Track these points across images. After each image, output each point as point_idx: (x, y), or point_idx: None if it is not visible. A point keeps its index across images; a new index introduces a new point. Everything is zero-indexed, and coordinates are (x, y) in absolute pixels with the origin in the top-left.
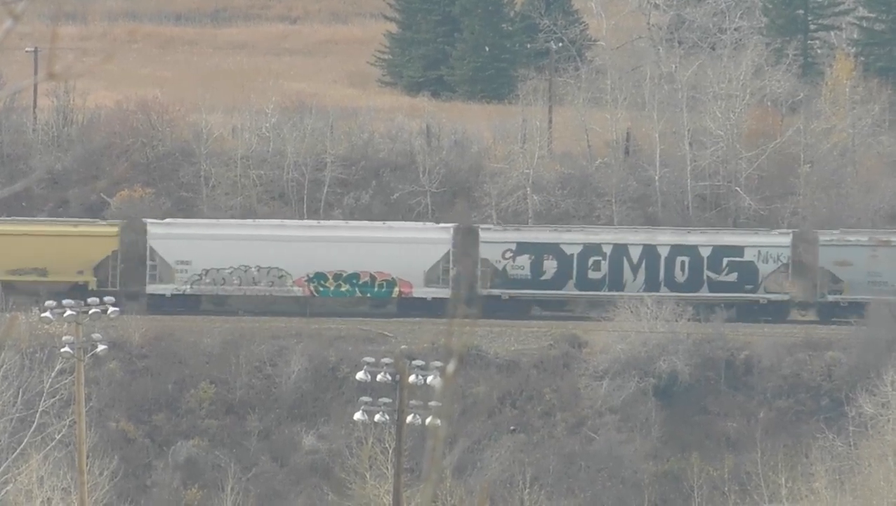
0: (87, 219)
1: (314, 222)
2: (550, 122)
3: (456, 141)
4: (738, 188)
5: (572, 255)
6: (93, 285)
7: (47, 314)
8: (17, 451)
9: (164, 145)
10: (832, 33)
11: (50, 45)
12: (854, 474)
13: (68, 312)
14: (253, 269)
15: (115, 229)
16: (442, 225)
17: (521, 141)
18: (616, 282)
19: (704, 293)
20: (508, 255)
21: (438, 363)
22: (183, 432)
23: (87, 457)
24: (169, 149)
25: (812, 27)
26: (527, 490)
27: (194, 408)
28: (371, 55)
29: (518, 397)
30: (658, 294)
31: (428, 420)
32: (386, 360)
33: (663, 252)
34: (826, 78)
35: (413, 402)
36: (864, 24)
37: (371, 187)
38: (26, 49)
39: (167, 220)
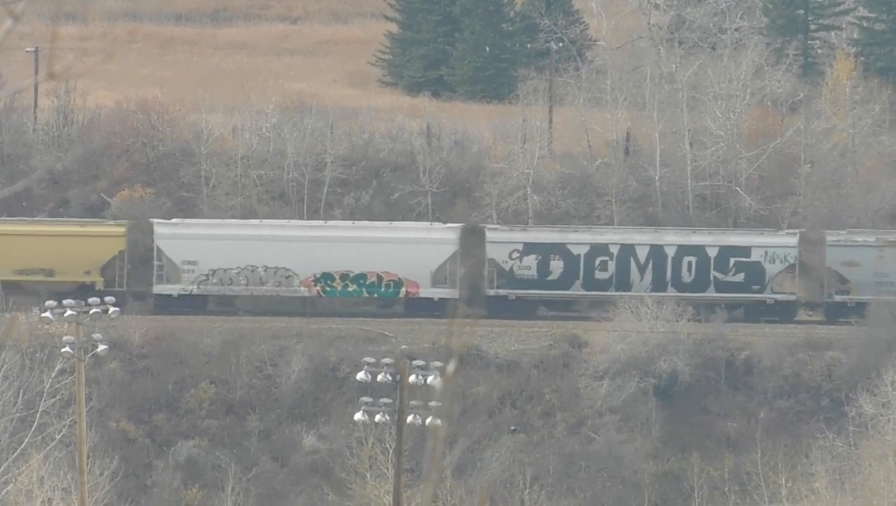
0: (94, 219)
1: (321, 223)
2: (551, 122)
3: (456, 141)
4: (738, 188)
5: (579, 255)
6: (100, 286)
7: (48, 314)
8: (18, 451)
9: (164, 145)
10: (832, 33)
11: (50, 45)
12: (854, 474)
13: (69, 312)
14: (260, 269)
15: (122, 230)
16: (449, 225)
17: (522, 141)
18: (623, 282)
19: (711, 293)
20: (515, 255)
21: (439, 363)
22: (183, 432)
23: (88, 457)
24: (169, 149)
25: (812, 27)
26: (527, 490)
27: (195, 408)
28: (371, 55)
29: (518, 397)
30: (665, 294)
31: (428, 420)
32: (386, 360)
33: (670, 252)
34: (826, 78)
35: (413, 402)
36: (865, 24)
37: (371, 187)
38: (27, 49)
39: (174, 220)
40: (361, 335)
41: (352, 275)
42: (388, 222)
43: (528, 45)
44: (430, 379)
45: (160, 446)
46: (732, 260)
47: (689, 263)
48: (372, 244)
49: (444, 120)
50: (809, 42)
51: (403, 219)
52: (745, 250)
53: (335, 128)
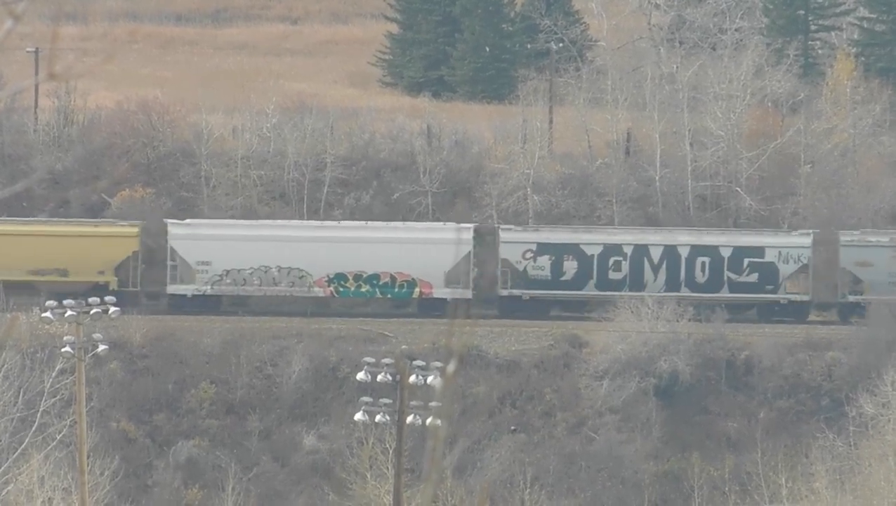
0: (109, 219)
1: (335, 223)
2: (551, 122)
3: (456, 141)
4: (738, 189)
5: (592, 255)
6: (114, 286)
7: (48, 314)
8: (18, 451)
9: (164, 146)
10: (833, 34)
11: (50, 46)
12: (854, 474)
13: (69, 312)
14: (273, 269)
15: (136, 230)
16: (463, 225)
17: (522, 141)
18: (637, 282)
19: (725, 294)
20: (529, 255)
21: (439, 363)
22: (183, 432)
23: (88, 457)
24: (169, 149)
25: (813, 27)
26: (527, 490)
27: (195, 408)
28: (372, 55)
29: (518, 397)
30: (679, 294)
31: (428, 420)
32: (386, 360)
33: (684, 253)
34: (827, 78)
35: (413, 402)
36: (865, 24)
37: (371, 188)
38: (27, 49)
39: (188, 220)
40: (361, 335)
41: (365, 275)
42: (401, 223)
43: (529, 46)
44: (430, 379)
45: (160, 446)
46: (746, 260)
47: (703, 264)
48: (385, 245)
49: (445, 120)
50: (810, 42)
51: (404, 219)
52: (759, 251)
53: (335, 128)
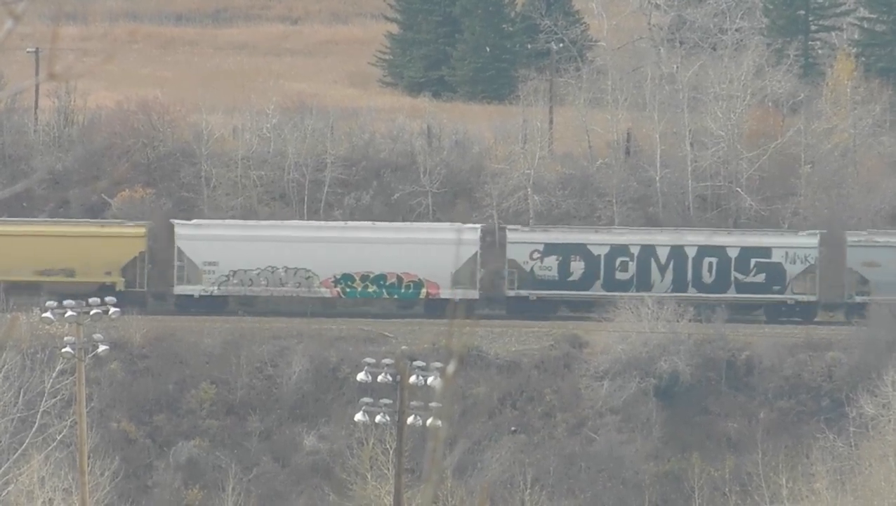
0: (116, 220)
1: (342, 224)
2: (551, 122)
3: (457, 141)
4: (738, 189)
5: (599, 255)
6: (120, 286)
7: (48, 315)
8: (19, 451)
9: (164, 146)
10: (833, 34)
11: (51, 46)
12: (855, 475)
13: (69, 312)
14: (280, 270)
15: (143, 230)
16: (470, 226)
17: (522, 141)
18: (644, 283)
19: (732, 294)
20: (536, 256)
21: (439, 364)
22: (184, 433)
23: (89, 457)
24: (170, 149)
25: (813, 28)
26: (527, 491)
27: (195, 408)
28: (372, 56)
29: (518, 398)
30: (686, 295)
31: (429, 421)
32: (387, 361)
33: (691, 253)
34: (827, 78)
35: (414, 403)
36: (865, 24)
37: (372, 188)
38: (27, 50)
39: (194, 221)
40: (361, 336)
41: (372, 276)
42: (408, 223)
43: (529, 46)
44: (430, 380)
45: (161, 447)
46: (753, 261)
47: (710, 264)
48: (392, 245)
49: (445, 120)
50: (810, 43)
51: (404, 219)
52: (766, 251)
53: (335, 128)
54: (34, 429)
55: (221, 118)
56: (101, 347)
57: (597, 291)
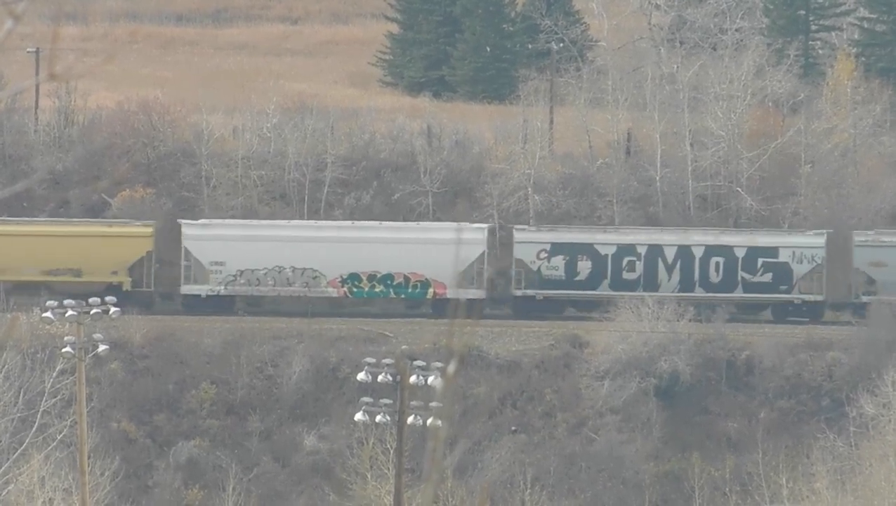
0: (123, 219)
1: (349, 223)
2: (551, 122)
3: (457, 141)
4: (739, 189)
5: (607, 255)
6: (127, 286)
7: (48, 314)
8: (19, 451)
9: (165, 146)
10: (833, 34)
11: (51, 46)
12: (855, 475)
13: (69, 312)
14: (287, 270)
15: (150, 230)
16: (476, 226)
17: (523, 141)
18: (651, 282)
19: (739, 294)
20: (543, 255)
21: (439, 364)
22: (184, 433)
23: (89, 457)
24: (170, 149)
25: (813, 28)
26: (528, 491)
27: (195, 408)
28: (372, 55)
29: (519, 398)
30: (693, 295)
31: (429, 421)
32: (387, 360)
33: (698, 253)
34: (827, 78)
35: (414, 402)
36: (865, 24)
37: (372, 188)
38: (27, 50)
39: (201, 220)
40: (362, 336)
41: (379, 275)
42: (415, 223)
43: (529, 46)
44: (430, 379)
45: (161, 447)
46: (760, 260)
47: (717, 264)
48: (399, 245)
49: (445, 120)
50: (810, 43)
51: (405, 219)
52: (773, 251)
53: (336, 128)
54: (34, 429)
55: (222, 118)
56: (102, 347)
57: (604, 290)
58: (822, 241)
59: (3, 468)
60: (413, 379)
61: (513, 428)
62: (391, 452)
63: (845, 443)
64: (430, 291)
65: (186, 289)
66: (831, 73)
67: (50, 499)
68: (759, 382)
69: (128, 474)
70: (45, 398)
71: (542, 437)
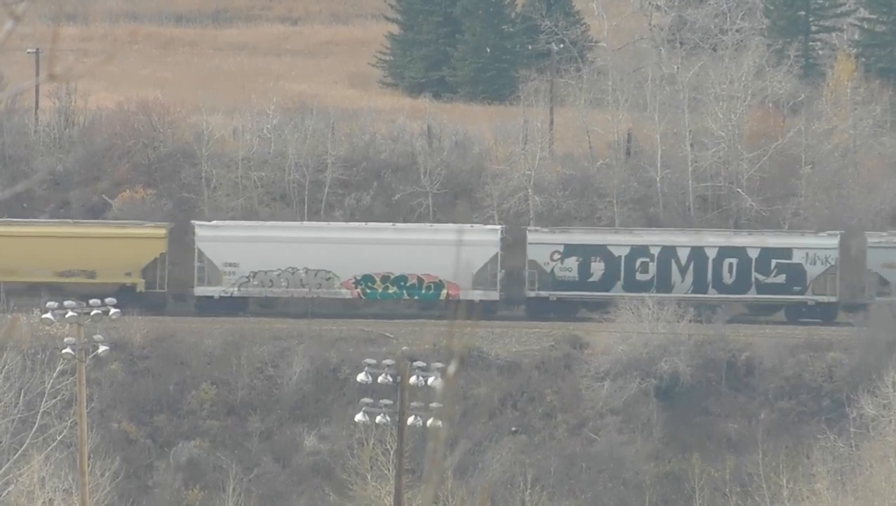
0: (136, 221)
1: (362, 224)
2: (552, 123)
3: (457, 142)
4: (739, 189)
5: (620, 256)
6: (141, 287)
7: (49, 315)
8: (19, 452)
9: (165, 146)
10: (833, 34)
11: (51, 47)
12: (855, 475)
13: (70, 313)
14: (301, 271)
15: (163, 231)
16: (490, 227)
17: (523, 142)
18: (664, 284)
19: (752, 295)
20: (556, 256)
21: (439, 365)
22: (184, 433)
23: (89, 458)
24: (170, 150)
25: (813, 28)
26: (528, 491)
27: (196, 409)
28: (372, 56)
29: (519, 399)
30: (706, 296)
31: (429, 421)
32: (387, 361)
33: (711, 254)
34: (827, 79)
35: (414, 403)
36: (866, 25)
37: (372, 188)
38: (27, 50)
39: (214, 222)
40: (362, 336)
41: (392, 277)
42: (428, 224)
43: (529, 47)
44: (430, 380)
45: (161, 447)
46: (774, 262)
47: (730, 265)
48: (413, 246)
49: (445, 121)
50: (810, 43)
51: (405, 220)
52: (787, 252)
53: (336, 129)
54: (34, 429)
55: (222, 119)
56: (102, 348)
57: (617, 291)
58: (835, 242)
59: (3, 469)
60: (413, 380)
61: (513, 429)
62: (391, 452)
63: (846, 444)
64: (444, 292)
65: (200, 291)
66: (831, 73)
67: (50, 500)
68: (759, 382)
69: (128, 475)
70: (45, 399)
71: (543, 437)
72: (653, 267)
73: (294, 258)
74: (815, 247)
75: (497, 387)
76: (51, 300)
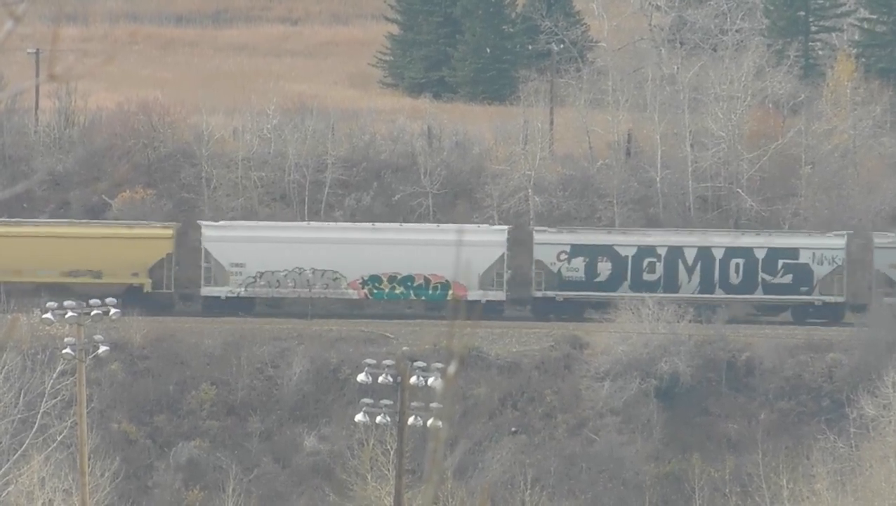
0: (143, 221)
1: (369, 225)
2: (552, 123)
3: (457, 142)
4: (739, 190)
5: (627, 256)
6: (147, 287)
7: (49, 316)
8: (19, 452)
9: (165, 147)
10: (833, 35)
11: (51, 47)
12: (855, 476)
13: (70, 313)
14: (308, 271)
15: (170, 232)
16: (497, 227)
17: (523, 142)
18: (671, 284)
19: (759, 295)
20: (563, 257)
21: (440, 365)
22: (184, 434)
23: (89, 458)
24: (170, 150)
25: (813, 29)
26: (528, 492)
27: (196, 409)
28: (372, 56)
29: (519, 399)
30: (713, 296)
31: (429, 422)
32: (387, 361)
33: (718, 254)
34: (827, 79)
35: (414, 403)
36: (866, 25)
37: (372, 189)
38: (27, 51)
39: (221, 222)
40: (362, 337)
41: (399, 277)
42: (435, 225)
43: (529, 47)
44: (431, 380)
45: (161, 448)
46: (780, 262)
47: (737, 265)
48: (420, 246)
49: (445, 121)
50: (810, 43)
51: (405, 221)
52: (793, 252)
53: (336, 129)
54: (34, 430)
55: (222, 119)
56: (102, 348)
57: (624, 292)
58: (842, 242)
59: (3, 469)
60: (413, 380)
61: (513, 429)
62: (391, 453)
63: (845, 444)
64: (451, 292)
65: (207, 291)
66: (831, 73)
67: (50, 500)
68: (759, 383)
69: (128, 475)
70: (45, 399)
71: (543, 438)
72: (660, 267)
73: (301, 259)
74: (822, 247)
75: (497, 387)
76: (51, 300)
